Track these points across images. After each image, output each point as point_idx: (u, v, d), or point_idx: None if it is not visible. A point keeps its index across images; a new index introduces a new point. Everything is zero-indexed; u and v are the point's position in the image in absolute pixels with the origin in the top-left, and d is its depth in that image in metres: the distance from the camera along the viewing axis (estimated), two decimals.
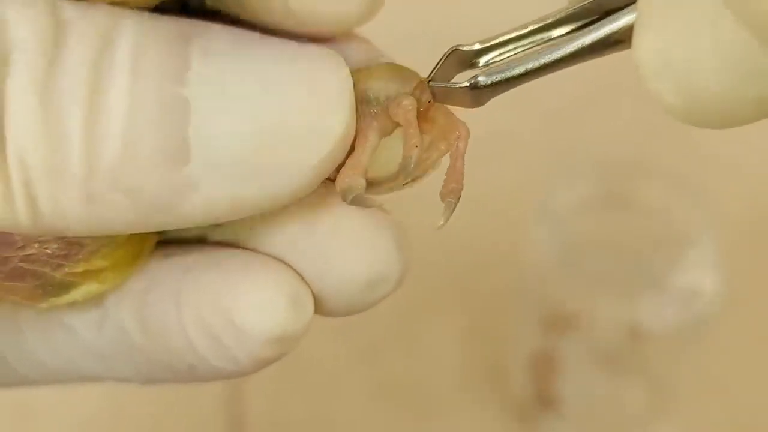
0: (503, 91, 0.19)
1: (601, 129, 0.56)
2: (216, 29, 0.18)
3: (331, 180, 0.20)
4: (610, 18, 0.18)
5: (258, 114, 0.18)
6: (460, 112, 0.20)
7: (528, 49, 0.19)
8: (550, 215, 0.43)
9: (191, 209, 0.18)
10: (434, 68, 0.19)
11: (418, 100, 0.19)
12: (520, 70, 0.18)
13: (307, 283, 0.20)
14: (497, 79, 0.19)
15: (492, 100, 0.19)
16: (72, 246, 0.19)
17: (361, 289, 0.20)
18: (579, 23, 0.18)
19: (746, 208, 0.52)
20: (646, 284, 0.42)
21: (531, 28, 0.19)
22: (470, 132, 0.19)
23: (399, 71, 0.19)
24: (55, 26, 0.17)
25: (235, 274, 0.20)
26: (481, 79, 0.19)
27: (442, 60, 0.19)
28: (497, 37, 0.19)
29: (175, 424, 0.46)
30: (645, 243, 0.45)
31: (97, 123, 0.17)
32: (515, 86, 0.19)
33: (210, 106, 0.17)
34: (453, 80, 0.19)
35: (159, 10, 0.18)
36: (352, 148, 0.19)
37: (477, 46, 0.19)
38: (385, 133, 0.19)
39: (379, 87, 0.19)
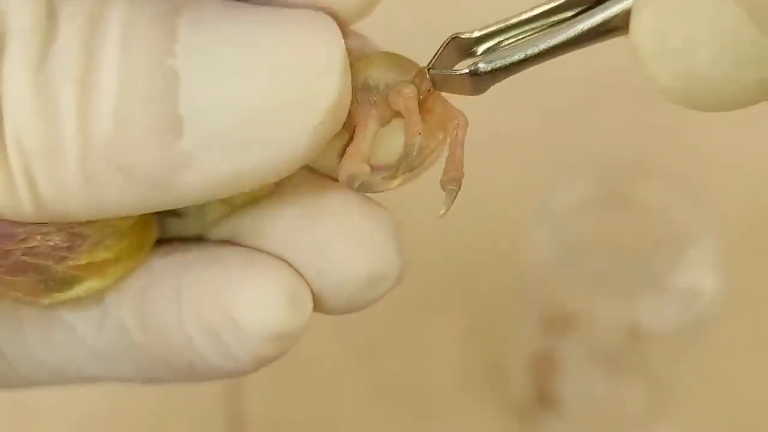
0: (503, 78, 0.19)
1: (601, 129, 0.56)
2: (206, 0, 0.18)
3: (330, 177, 0.20)
4: (609, 2, 0.18)
5: (248, 83, 0.17)
6: (458, 102, 0.20)
7: (527, 35, 0.19)
8: (550, 215, 0.43)
9: (188, 185, 0.18)
10: (434, 56, 0.19)
11: (418, 89, 0.19)
12: (520, 56, 0.18)
13: (306, 281, 0.20)
14: (497, 66, 0.19)
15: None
16: (75, 237, 0.19)
17: (361, 286, 0.20)
18: (578, 9, 0.18)
19: (746, 208, 0.52)
20: (646, 284, 0.42)
21: (530, 14, 0.19)
22: (468, 121, 0.19)
23: (398, 60, 0.19)
24: (50, 7, 0.17)
25: (235, 271, 0.19)
26: (481, 66, 0.19)
27: (442, 48, 0.19)
28: (496, 24, 0.19)
29: (175, 424, 0.46)
30: (645, 243, 0.45)
31: (90, 102, 0.17)
32: (515, 73, 0.19)
33: (199, 78, 0.17)
34: (453, 68, 0.19)
35: None
36: (351, 138, 0.19)
37: (476, 34, 0.19)
38: (385, 121, 0.19)
39: (379, 75, 0.19)
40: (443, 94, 0.20)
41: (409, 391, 0.47)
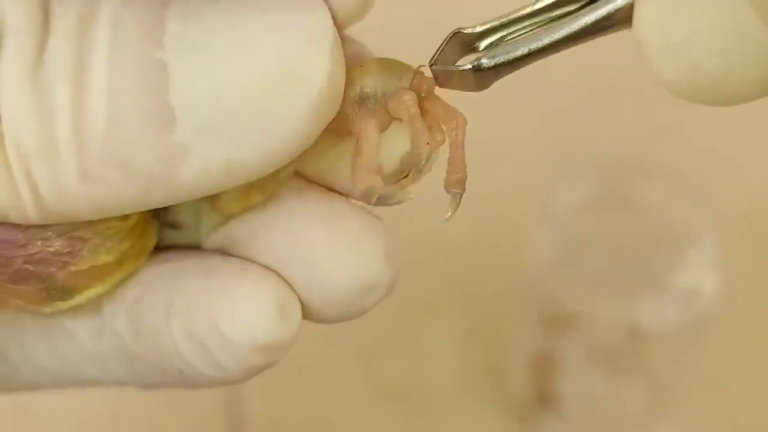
0: (507, 74, 0.19)
1: (602, 130, 0.56)
2: None
3: (321, 185, 0.20)
4: None
5: (237, 73, 0.17)
6: (458, 102, 0.19)
7: (530, 30, 0.19)
8: (551, 216, 0.43)
9: (187, 176, 0.18)
10: (436, 51, 0.19)
11: (417, 93, 0.19)
12: (523, 51, 0.18)
13: (295, 292, 0.19)
14: (500, 61, 0.18)
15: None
16: (75, 242, 0.19)
17: (350, 297, 0.19)
18: (581, 2, 0.18)
19: (746, 208, 0.52)
20: (646, 284, 0.42)
21: (532, 8, 0.19)
22: (466, 120, 0.19)
23: (392, 65, 0.19)
24: (44, 8, 0.17)
25: (224, 282, 0.19)
26: (484, 62, 0.18)
27: (444, 43, 0.19)
28: (498, 19, 0.19)
29: (175, 424, 0.45)
30: (645, 243, 0.45)
31: (83, 98, 0.17)
32: (519, 68, 0.18)
33: (188, 68, 0.17)
34: (456, 63, 0.19)
35: None
36: (352, 143, 0.19)
37: (478, 29, 0.19)
38: (384, 128, 0.19)
39: (374, 83, 0.19)
40: (439, 90, 0.19)
41: (409, 391, 0.47)
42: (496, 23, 0.19)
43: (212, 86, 0.17)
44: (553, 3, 0.19)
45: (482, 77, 0.19)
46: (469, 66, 0.19)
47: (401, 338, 0.48)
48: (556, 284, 0.43)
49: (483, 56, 0.18)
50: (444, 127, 0.19)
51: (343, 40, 0.18)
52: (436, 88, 0.19)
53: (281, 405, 0.46)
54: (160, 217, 0.20)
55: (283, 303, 0.19)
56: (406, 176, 0.19)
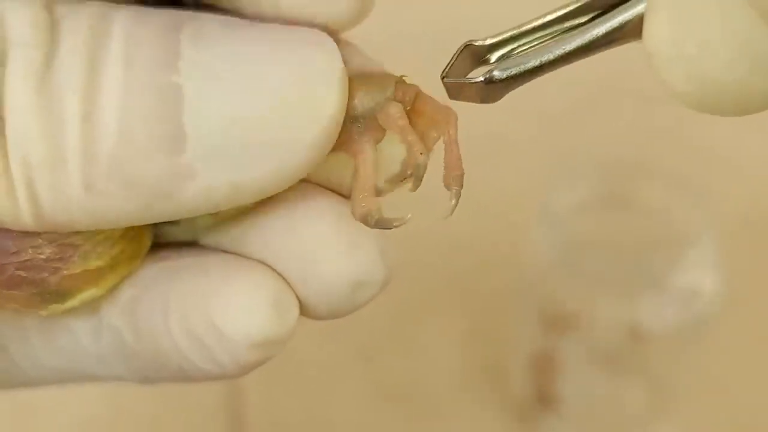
0: (518, 86, 0.19)
1: (602, 130, 0.56)
2: (206, 17, 0.18)
3: (317, 183, 0.20)
4: (622, 8, 0.18)
5: (249, 99, 0.18)
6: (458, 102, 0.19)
7: (540, 42, 0.19)
8: (551, 216, 0.43)
9: (191, 196, 0.18)
10: (448, 64, 0.19)
11: (402, 102, 0.19)
12: (534, 63, 0.18)
13: (291, 287, 0.20)
14: (512, 73, 0.18)
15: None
16: (66, 248, 0.19)
17: (345, 291, 0.20)
18: (591, 15, 0.18)
19: (746, 208, 0.52)
20: (646, 284, 0.42)
21: (542, 21, 0.19)
22: (457, 115, 0.19)
23: (373, 80, 0.19)
24: (51, 21, 0.17)
25: (220, 278, 0.20)
26: (496, 74, 0.18)
27: (455, 56, 0.19)
28: (509, 31, 0.19)
29: (175, 424, 0.46)
30: (645, 243, 0.45)
31: (93, 114, 0.17)
32: (530, 80, 0.19)
33: (202, 92, 0.17)
34: (467, 75, 0.19)
35: (152, 4, 0.18)
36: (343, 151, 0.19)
37: (489, 41, 0.19)
38: (378, 140, 0.19)
39: (362, 102, 0.19)
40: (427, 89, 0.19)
41: (409, 391, 0.47)
42: (506, 36, 0.19)
43: (226, 112, 0.17)
44: (563, 15, 0.19)
45: (494, 89, 0.19)
46: (481, 78, 0.19)
47: (401, 338, 0.48)
48: (556, 284, 0.43)
49: (495, 68, 0.18)
50: (437, 126, 0.19)
51: (339, 43, 0.19)
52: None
53: (281, 404, 0.46)
54: None
55: (278, 298, 0.19)
56: (409, 177, 0.19)
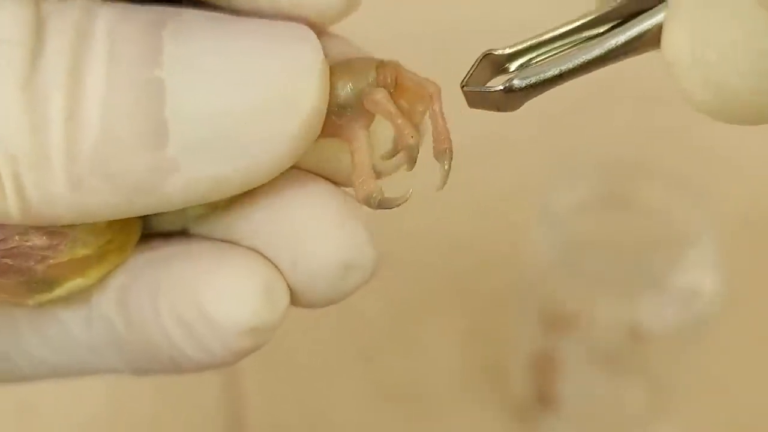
0: (537, 95, 0.19)
1: (602, 130, 0.56)
2: (191, 12, 0.18)
3: (305, 169, 0.20)
4: (641, 18, 0.18)
5: (231, 92, 0.18)
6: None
7: (559, 51, 0.19)
8: (551, 216, 0.43)
9: (173, 190, 0.18)
10: (467, 73, 0.19)
11: (385, 85, 0.19)
12: (554, 72, 0.18)
13: (281, 274, 0.20)
14: (532, 82, 0.19)
15: None
16: (54, 236, 0.19)
17: (334, 276, 0.20)
18: (610, 24, 0.19)
19: (746, 208, 0.52)
20: (646, 284, 0.42)
21: (561, 30, 0.19)
22: (440, 87, 0.19)
23: (355, 65, 0.19)
24: (38, 19, 0.17)
25: (209, 266, 0.20)
26: (516, 83, 0.19)
27: (475, 65, 0.19)
28: (528, 40, 0.19)
29: (175, 424, 0.46)
30: (645, 243, 0.45)
31: (77, 109, 0.17)
32: (549, 89, 0.19)
33: (184, 86, 0.18)
34: (486, 84, 0.19)
35: (139, 0, 0.18)
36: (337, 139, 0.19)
37: (508, 51, 0.19)
38: (369, 124, 0.19)
39: (347, 90, 0.19)
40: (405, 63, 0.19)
41: (409, 391, 0.47)
42: (526, 45, 0.19)
43: (207, 105, 0.18)
44: (581, 25, 0.19)
45: (513, 98, 0.19)
46: (501, 87, 0.19)
47: (401, 338, 0.48)
48: (556, 284, 0.43)
49: (514, 77, 0.19)
50: (422, 100, 0.19)
51: (322, 36, 0.19)
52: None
53: (281, 404, 0.46)
54: None
55: (269, 285, 0.19)
56: (398, 165, 0.20)
